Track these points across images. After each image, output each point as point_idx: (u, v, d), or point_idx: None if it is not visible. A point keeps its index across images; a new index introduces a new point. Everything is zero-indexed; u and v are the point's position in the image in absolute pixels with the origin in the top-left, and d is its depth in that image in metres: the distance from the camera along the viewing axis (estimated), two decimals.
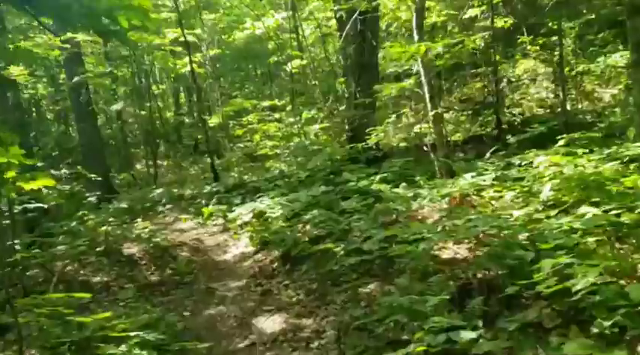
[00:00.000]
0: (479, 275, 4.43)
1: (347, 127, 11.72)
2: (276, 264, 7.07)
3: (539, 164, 5.45)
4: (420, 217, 6.48)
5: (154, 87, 18.67)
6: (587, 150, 5.17)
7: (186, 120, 25.39)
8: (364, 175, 8.61)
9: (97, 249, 8.26)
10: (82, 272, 7.87)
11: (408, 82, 8.03)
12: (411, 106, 16.17)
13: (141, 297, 7.05)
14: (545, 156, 5.52)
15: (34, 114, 25.55)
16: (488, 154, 7.96)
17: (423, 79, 7.59)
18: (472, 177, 6.56)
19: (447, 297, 3.77)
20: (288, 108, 16.19)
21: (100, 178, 13.45)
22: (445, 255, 5.51)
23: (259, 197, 9.75)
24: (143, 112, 17.08)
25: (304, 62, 16.48)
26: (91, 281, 7.65)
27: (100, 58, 17.48)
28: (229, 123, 19.37)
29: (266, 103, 16.21)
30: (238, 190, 11.11)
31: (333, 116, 12.39)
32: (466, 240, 5.27)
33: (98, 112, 17.45)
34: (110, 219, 10.01)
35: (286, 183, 9.63)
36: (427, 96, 7.60)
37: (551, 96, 11.63)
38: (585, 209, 4.28)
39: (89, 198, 10.76)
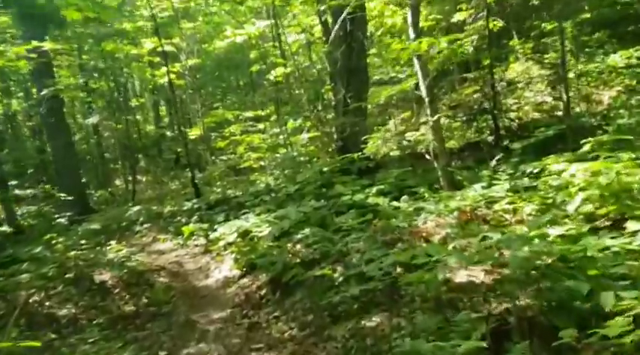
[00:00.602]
0: (507, 306, 3.67)
1: (336, 136, 10.94)
2: (264, 291, 6.24)
3: (566, 172, 4.69)
4: (424, 234, 5.70)
5: (133, 99, 17.74)
6: (634, 156, 4.43)
7: (168, 134, 24.50)
8: (358, 188, 7.83)
9: (66, 276, 7.38)
10: (47, 303, 6.97)
11: (409, 85, 7.29)
12: (396, 114, 15.52)
13: (112, 332, 6.20)
14: (573, 163, 4.77)
15: (9, 130, 24.48)
16: (493, 162, 7.22)
17: (421, 81, 6.86)
18: (482, 187, 5.81)
19: (483, 344, 2.97)
20: (273, 118, 15.39)
21: (71, 197, 12.58)
22: (458, 278, 4.73)
23: (244, 214, 8.92)
24: (120, 126, 16.18)
25: (288, 70, 15.75)
26: (57, 313, 6.75)
27: (74, 69, 16.53)
28: (211, 136, 18.55)
29: (249, 114, 15.40)
30: (221, 206, 10.26)
31: (322, 125, 11.62)
32: (484, 263, 4.50)
33: (74, 127, 16.49)
34: (82, 242, 9.10)
35: (273, 199, 8.82)
36: (426, 100, 6.87)
37: (549, 99, 10.98)
38: (634, 225, 3.52)
39: (59, 219, 9.75)
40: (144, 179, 20.29)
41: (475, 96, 11.22)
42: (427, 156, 7.37)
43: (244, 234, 7.77)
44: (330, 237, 6.11)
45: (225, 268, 7.65)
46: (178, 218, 10.77)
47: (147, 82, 17.57)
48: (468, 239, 4.95)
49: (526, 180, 6.06)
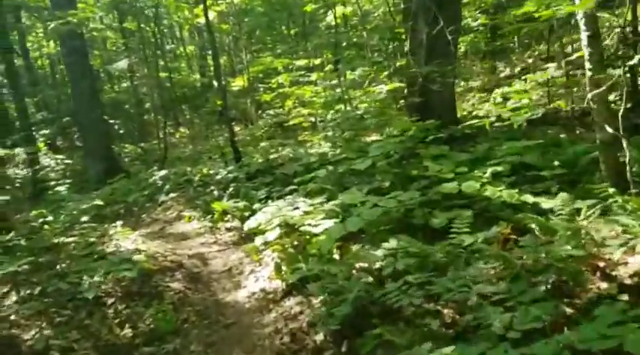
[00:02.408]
0: None
1: (408, 91, 8.23)
2: (320, 336, 3.78)
3: None
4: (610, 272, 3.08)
5: (174, 45, 15.29)
6: None
7: (215, 84, 22.10)
8: (458, 166, 5.19)
9: (40, 278, 5.16)
10: (12, 317, 4.78)
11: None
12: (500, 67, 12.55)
13: None
14: None
15: (48, 75, 22.65)
16: None
17: (584, 35, 4.13)
18: None
19: None
20: (327, 68, 12.65)
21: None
22: None
23: (291, 192, 6.45)
24: (155, 73, 13.82)
25: (348, 10, 12.92)
26: (21, 339, 4.55)
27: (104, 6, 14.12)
28: (257, 88, 16.02)
29: (300, 62, 12.71)
30: (263, 177, 7.81)
31: (397, 75, 8.92)
32: None
33: (102, 74, 14.24)
34: (83, 220, 6.88)
35: (331, 174, 6.26)
36: (587, 50, 4.13)
37: None
38: None
39: (57, 187, 7.54)
40: (187, 131, 18.11)
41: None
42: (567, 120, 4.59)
43: (290, 227, 5.31)
44: (433, 256, 3.55)
45: (263, 274, 5.24)
46: (211, 188, 8.39)
47: (183, 22, 14.99)
48: None
49: None
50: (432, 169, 5.06)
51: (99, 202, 7.42)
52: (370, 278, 3.77)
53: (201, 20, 14.34)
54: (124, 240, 6.49)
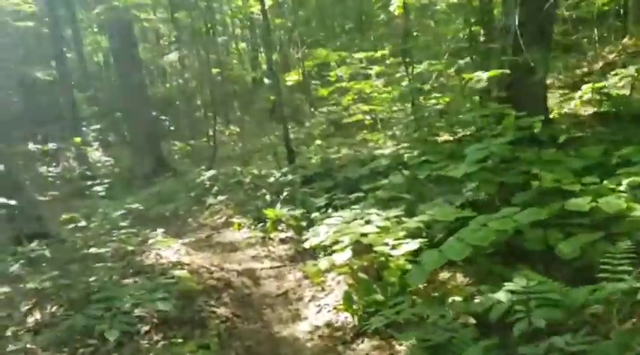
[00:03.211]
0: None
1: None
2: None
3: None
4: None
5: (224, 37, 14.55)
6: None
7: (265, 81, 21.35)
8: (578, 174, 4.04)
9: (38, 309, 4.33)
10: (28, 345, 3.96)
11: None
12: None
13: None
14: None
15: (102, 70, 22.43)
16: None
17: None
18: None
19: None
20: (390, 60, 11.50)
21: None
22: None
23: (357, 201, 5.44)
24: (215, 70, 12.99)
25: None
26: None
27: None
28: (311, 84, 15.09)
29: (360, 55, 11.65)
30: (322, 181, 6.82)
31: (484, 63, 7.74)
32: None
33: (152, 67, 13.58)
34: (122, 225, 6.06)
35: (409, 182, 5.20)
36: None
37: None
38: None
39: (95, 187, 6.78)
40: (238, 129, 17.35)
41: None
42: None
43: (361, 245, 4.28)
44: (585, 312, 2.45)
45: (328, 303, 4.25)
46: (263, 191, 7.47)
47: (236, 12, 14.18)
48: None
49: None
50: (544, 178, 3.92)
51: (138, 206, 6.59)
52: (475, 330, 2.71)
53: (255, 9, 13.56)
54: (166, 249, 5.65)
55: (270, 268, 5.14)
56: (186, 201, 8.19)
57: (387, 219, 4.49)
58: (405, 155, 5.52)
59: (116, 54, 11.35)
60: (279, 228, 6.02)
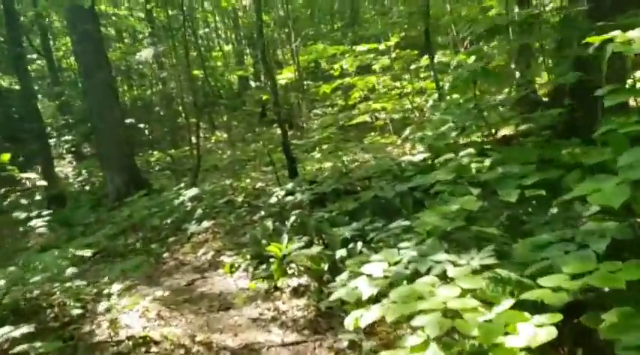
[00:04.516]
0: None
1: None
2: None
3: None
4: None
5: (206, 29, 12.72)
6: None
7: (252, 84, 19.51)
8: None
9: None
10: None
11: None
12: None
13: None
14: None
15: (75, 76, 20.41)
16: None
17: None
18: None
19: None
20: (394, 54, 9.71)
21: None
22: None
23: (403, 232, 3.66)
24: (200, 72, 11.08)
25: None
26: None
27: None
28: (304, 83, 13.27)
29: (363, 48, 9.85)
30: (341, 201, 5.00)
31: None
32: None
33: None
34: (70, 271, 4.23)
35: (495, 210, 3.41)
36: None
37: None
38: None
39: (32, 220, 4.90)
40: (225, 135, 15.46)
41: None
42: None
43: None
44: None
45: None
46: (262, 213, 5.66)
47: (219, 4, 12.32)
48: None
49: None
50: None
51: (85, 253, 4.71)
52: None
53: (238, 3, 11.77)
54: (129, 310, 3.83)
55: (283, 345, 3.32)
56: (162, 229, 6.34)
57: (469, 267, 2.75)
58: (472, 164, 3.73)
59: (79, 51, 9.45)
60: (289, 270, 4.21)
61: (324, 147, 7.70)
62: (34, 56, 18.24)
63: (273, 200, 5.37)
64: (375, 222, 4.39)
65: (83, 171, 13.92)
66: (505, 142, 5.67)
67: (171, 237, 6.10)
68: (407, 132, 9.24)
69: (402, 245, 3.46)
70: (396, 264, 3.23)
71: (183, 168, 10.86)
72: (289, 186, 5.48)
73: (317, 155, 8.45)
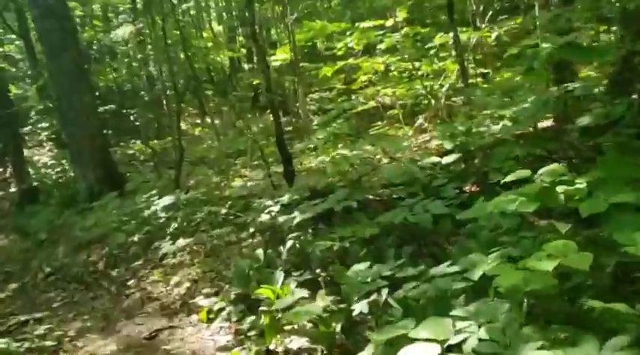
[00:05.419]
0: None
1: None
2: None
3: None
4: None
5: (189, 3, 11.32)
6: None
7: (245, 66, 18.08)
8: None
9: None
10: None
11: None
12: None
13: None
14: None
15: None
16: None
17: None
18: None
19: None
20: (403, 31, 8.32)
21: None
22: None
23: (460, 275, 2.45)
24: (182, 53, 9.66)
25: None
26: None
27: None
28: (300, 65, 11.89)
29: (368, 24, 8.45)
30: (355, 223, 3.74)
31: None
32: None
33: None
34: None
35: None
36: None
37: None
38: None
39: None
40: (215, 121, 14.09)
41: None
42: None
43: None
44: None
45: None
46: (251, 231, 4.41)
47: None
48: None
49: None
50: None
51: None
52: None
53: None
54: None
55: None
56: (131, 245, 5.10)
57: None
58: (557, 186, 2.47)
59: (42, 29, 8.04)
60: (286, 327, 2.99)
61: (326, 144, 6.42)
62: (13, 36, 16.78)
63: (265, 217, 4.13)
64: (402, 255, 3.19)
65: (63, 161, 12.62)
66: (550, 136, 4.44)
67: (141, 258, 4.85)
68: (419, 121, 8.06)
69: (458, 312, 2.26)
70: (453, 352, 2.04)
71: (168, 160, 9.58)
72: (285, 198, 4.22)
73: (313, 147, 7.19)
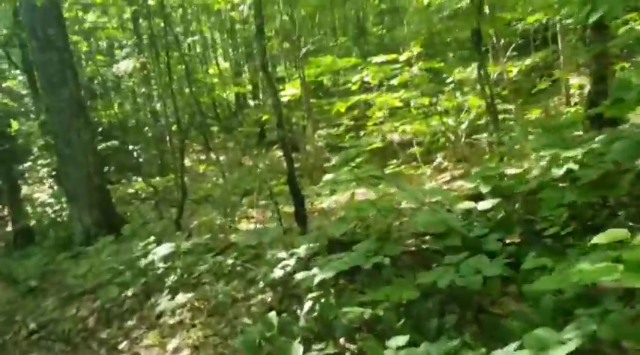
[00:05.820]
0: None
1: None
2: None
3: None
4: None
5: (195, 37, 11.03)
6: None
7: (251, 103, 17.79)
8: None
9: None
10: None
11: None
12: None
13: None
14: None
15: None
16: None
17: None
18: None
19: None
20: (417, 65, 7.92)
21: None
22: None
23: None
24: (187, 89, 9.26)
25: None
26: None
27: None
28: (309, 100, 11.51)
29: (381, 59, 8.06)
30: (381, 277, 3.18)
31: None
32: None
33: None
34: None
35: None
36: None
37: None
38: None
39: None
40: (221, 158, 13.63)
41: None
42: None
43: None
44: None
45: None
46: (260, 286, 3.84)
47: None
48: None
49: None
50: None
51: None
52: None
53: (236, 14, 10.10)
54: None
55: None
56: (125, 300, 4.53)
57: None
58: None
59: (40, 61, 7.67)
60: None
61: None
62: (17, 71, 16.56)
63: (279, 273, 3.57)
64: (446, 324, 2.62)
65: (63, 199, 12.12)
66: (610, 182, 3.90)
67: (136, 314, 4.27)
68: (438, 159, 7.56)
69: None
70: None
71: (171, 198, 9.07)
72: (301, 250, 3.68)
73: (326, 185, 6.64)
